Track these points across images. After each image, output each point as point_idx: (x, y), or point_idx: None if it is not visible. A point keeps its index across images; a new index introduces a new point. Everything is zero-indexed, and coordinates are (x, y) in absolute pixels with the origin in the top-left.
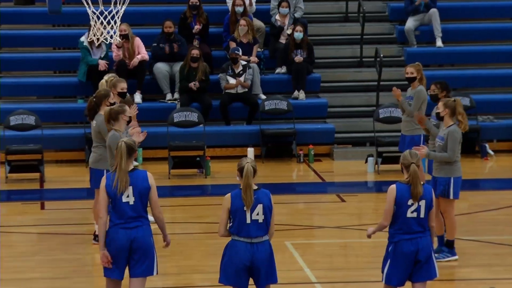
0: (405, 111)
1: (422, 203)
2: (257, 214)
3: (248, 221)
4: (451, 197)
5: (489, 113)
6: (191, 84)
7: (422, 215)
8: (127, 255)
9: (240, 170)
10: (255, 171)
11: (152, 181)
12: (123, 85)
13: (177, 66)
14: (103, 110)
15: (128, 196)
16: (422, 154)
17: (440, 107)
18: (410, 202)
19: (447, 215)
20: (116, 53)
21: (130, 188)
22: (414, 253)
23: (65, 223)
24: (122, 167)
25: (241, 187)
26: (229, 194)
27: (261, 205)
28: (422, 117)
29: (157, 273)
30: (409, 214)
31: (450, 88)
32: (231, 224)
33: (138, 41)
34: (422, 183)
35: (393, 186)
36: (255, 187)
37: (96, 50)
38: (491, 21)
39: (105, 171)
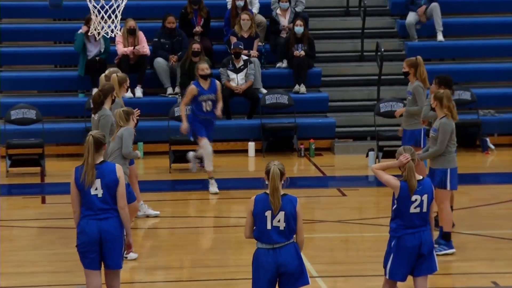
0: (412, 112)
1: (425, 197)
2: (278, 221)
3: (269, 227)
4: (449, 188)
5: (490, 107)
6: None
7: (424, 210)
8: (99, 246)
9: (267, 172)
10: (282, 173)
11: (121, 173)
12: (128, 80)
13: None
14: (107, 105)
15: (96, 189)
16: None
17: (431, 99)
18: (413, 198)
19: (443, 206)
20: (123, 48)
21: (98, 181)
22: (417, 247)
23: (66, 217)
24: (89, 161)
25: (267, 191)
26: (254, 197)
27: (283, 212)
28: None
29: (120, 267)
30: (412, 210)
31: (453, 82)
32: (254, 227)
33: (141, 35)
34: (422, 177)
35: (397, 182)
36: (282, 192)
37: (93, 43)
38: (492, 15)
39: None
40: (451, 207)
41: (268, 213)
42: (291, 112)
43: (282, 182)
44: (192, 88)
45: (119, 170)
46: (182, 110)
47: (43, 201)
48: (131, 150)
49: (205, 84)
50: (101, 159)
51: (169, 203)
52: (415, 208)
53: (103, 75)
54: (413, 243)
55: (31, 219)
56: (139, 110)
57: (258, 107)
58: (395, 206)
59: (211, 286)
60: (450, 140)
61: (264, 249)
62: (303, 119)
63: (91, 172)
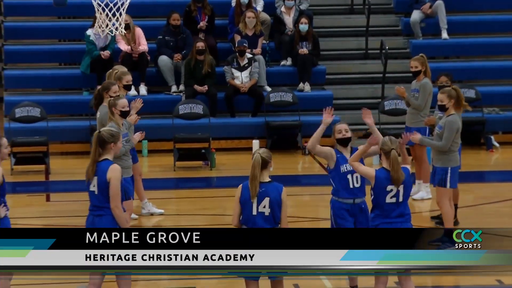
0: (412, 105)
1: (401, 187)
2: (264, 207)
3: (254, 212)
4: (448, 186)
5: (495, 105)
6: (200, 88)
7: (400, 200)
8: None
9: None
10: (265, 161)
11: (112, 174)
12: (128, 78)
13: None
14: (106, 102)
15: (94, 186)
16: (415, 139)
17: (444, 99)
18: (389, 188)
19: (442, 205)
20: (124, 46)
21: (95, 178)
22: None
23: (70, 215)
24: (91, 156)
25: None
26: (242, 184)
27: (268, 198)
28: (430, 120)
29: None
30: (388, 200)
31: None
32: (241, 214)
33: (139, 31)
34: (406, 166)
35: (373, 172)
36: (267, 180)
37: (100, 40)
38: (496, 13)
39: None
40: (456, 205)
41: (254, 200)
42: (296, 110)
43: (270, 169)
44: (330, 152)
45: (112, 171)
46: None
47: (48, 199)
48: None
49: (346, 151)
50: (106, 156)
51: (173, 201)
52: (391, 198)
53: (108, 72)
54: None
55: (35, 217)
56: (141, 100)
57: (263, 105)
58: (372, 196)
59: (214, 284)
60: (454, 139)
61: None
62: (307, 117)
63: (91, 168)
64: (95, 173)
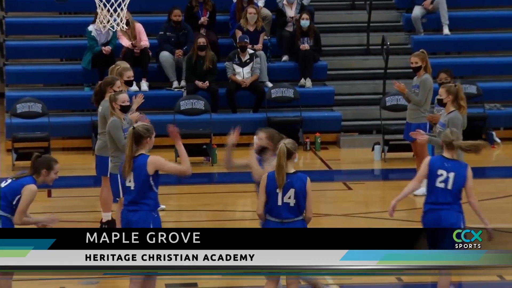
0: (412, 101)
1: (451, 175)
2: (289, 198)
3: (280, 203)
4: None
5: (496, 101)
6: (201, 84)
7: (449, 187)
8: None
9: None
10: (290, 152)
11: (152, 167)
12: (129, 74)
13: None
14: (108, 97)
15: (130, 181)
16: (422, 140)
17: (443, 94)
18: (439, 172)
19: None
20: (126, 42)
21: (132, 174)
22: (435, 224)
23: (72, 210)
24: (126, 153)
25: None
26: (267, 174)
27: (293, 189)
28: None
29: None
30: (437, 184)
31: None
32: (267, 204)
33: (139, 27)
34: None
35: (427, 159)
36: (292, 170)
37: (101, 36)
38: (498, 9)
39: (109, 158)
40: None
41: (279, 190)
42: (297, 105)
43: (294, 160)
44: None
45: (152, 163)
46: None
47: (49, 195)
48: (125, 142)
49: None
50: (142, 152)
51: (174, 197)
52: (440, 182)
53: (110, 67)
54: (432, 217)
55: (37, 212)
56: (142, 94)
57: (264, 101)
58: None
59: (215, 280)
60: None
61: (273, 222)
62: (308, 113)
63: (127, 164)
64: (132, 169)
